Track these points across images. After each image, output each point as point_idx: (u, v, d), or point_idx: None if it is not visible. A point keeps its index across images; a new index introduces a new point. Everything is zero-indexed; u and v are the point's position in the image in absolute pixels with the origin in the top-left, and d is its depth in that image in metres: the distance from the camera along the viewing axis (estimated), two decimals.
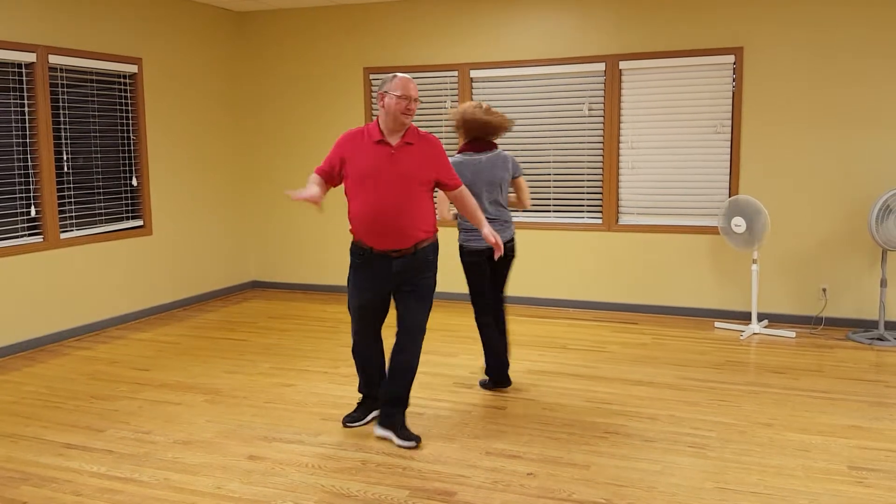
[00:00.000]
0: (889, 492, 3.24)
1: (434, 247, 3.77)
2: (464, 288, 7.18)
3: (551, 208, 6.82)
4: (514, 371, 4.97)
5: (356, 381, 4.82)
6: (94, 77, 6.16)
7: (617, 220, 6.62)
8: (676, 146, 6.40)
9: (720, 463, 3.54)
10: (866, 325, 6.01)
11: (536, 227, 6.84)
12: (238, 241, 7.81)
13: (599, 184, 6.64)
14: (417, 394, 4.54)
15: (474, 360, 5.24)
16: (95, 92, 6.18)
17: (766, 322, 6.12)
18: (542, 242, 6.84)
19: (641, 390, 4.58)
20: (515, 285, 6.97)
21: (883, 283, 5.68)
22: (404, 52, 7.12)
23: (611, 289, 6.70)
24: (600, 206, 6.66)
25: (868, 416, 4.11)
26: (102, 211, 6.28)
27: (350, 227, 3.76)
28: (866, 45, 5.80)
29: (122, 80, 6.42)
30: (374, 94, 7.28)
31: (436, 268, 3.81)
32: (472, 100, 6.90)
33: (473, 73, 6.89)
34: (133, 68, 6.44)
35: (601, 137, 6.60)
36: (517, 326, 6.17)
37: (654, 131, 6.45)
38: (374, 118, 3.73)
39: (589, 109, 6.61)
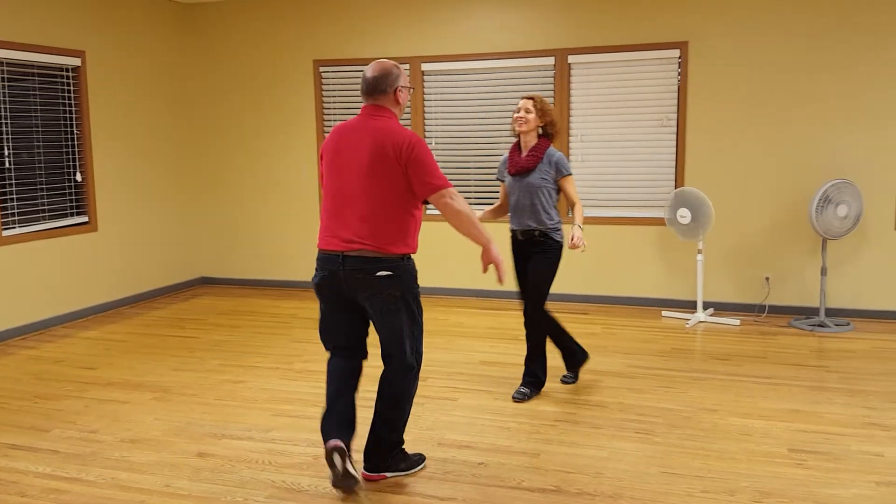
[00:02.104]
0: (827, 473, 3.35)
1: None
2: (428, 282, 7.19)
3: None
4: (465, 363, 5.01)
5: (309, 376, 4.81)
6: (35, 70, 6.01)
7: (568, 213, 6.70)
8: (624, 139, 6.50)
9: (665, 448, 3.62)
10: (808, 313, 6.19)
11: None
12: (186, 237, 7.71)
13: None
14: (370, 387, 4.54)
15: (426, 353, 5.26)
16: (37, 86, 6.04)
17: (711, 310, 6.26)
18: (494, 235, 6.89)
19: (591, 379, 4.65)
20: (467, 278, 7.01)
21: (823, 272, 5.86)
22: (355, 45, 7.09)
23: (562, 280, 6.77)
24: None
25: (808, 401, 4.24)
26: (46, 207, 6.14)
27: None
28: (808, 41, 5.96)
29: (64, 73, 6.28)
30: (325, 88, 7.24)
31: None
32: (423, 93, 6.92)
33: (425, 67, 6.90)
34: (76, 61, 6.31)
35: None
36: (469, 318, 6.21)
37: (603, 124, 6.54)
38: (386, 117, 3.22)
39: None
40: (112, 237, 6.74)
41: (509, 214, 4.36)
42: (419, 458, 3.47)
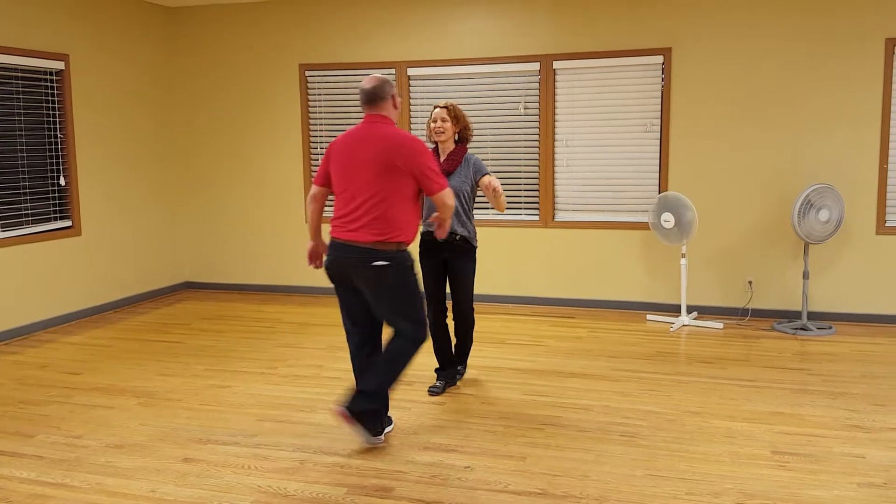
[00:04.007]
0: (809, 474, 3.38)
1: None
2: None
3: (490, 205, 6.89)
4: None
5: (294, 381, 4.81)
6: (18, 74, 5.98)
7: (553, 217, 6.73)
8: (609, 144, 6.54)
9: (650, 451, 3.65)
10: (790, 316, 6.25)
11: (476, 223, 6.89)
12: (170, 241, 7.68)
13: (536, 181, 6.74)
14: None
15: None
16: (20, 89, 6.00)
17: (695, 314, 6.31)
18: (481, 239, 6.91)
19: (576, 382, 4.68)
20: None
21: (805, 276, 5.92)
22: (341, 50, 7.10)
23: (548, 284, 6.81)
24: (537, 202, 6.76)
25: (791, 403, 4.28)
26: (29, 212, 6.10)
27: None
28: (790, 47, 6.03)
29: (48, 76, 6.24)
30: (310, 92, 7.24)
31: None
32: (409, 97, 6.94)
33: (411, 71, 6.91)
34: (60, 65, 6.28)
35: (537, 136, 6.70)
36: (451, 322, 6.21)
37: (588, 130, 6.58)
38: (391, 123, 3.69)
39: (525, 108, 6.70)
40: (96, 242, 6.70)
41: (423, 216, 4.46)
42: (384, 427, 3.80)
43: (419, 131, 6.98)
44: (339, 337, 5.84)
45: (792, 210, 5.76)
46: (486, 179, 4.24)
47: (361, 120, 3.67)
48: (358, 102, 7.11)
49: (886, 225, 5.99)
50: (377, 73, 7.00)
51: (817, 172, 6.07)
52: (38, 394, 4.61)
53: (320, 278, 7.42)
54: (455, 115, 4.38)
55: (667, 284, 6.51)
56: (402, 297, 3.63)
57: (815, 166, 6.07)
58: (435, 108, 4.42)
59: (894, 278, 6.01)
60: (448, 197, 3.65)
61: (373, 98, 3.63)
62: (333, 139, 3.80)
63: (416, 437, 3.85)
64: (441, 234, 3.78)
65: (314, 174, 7.33)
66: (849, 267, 6.09)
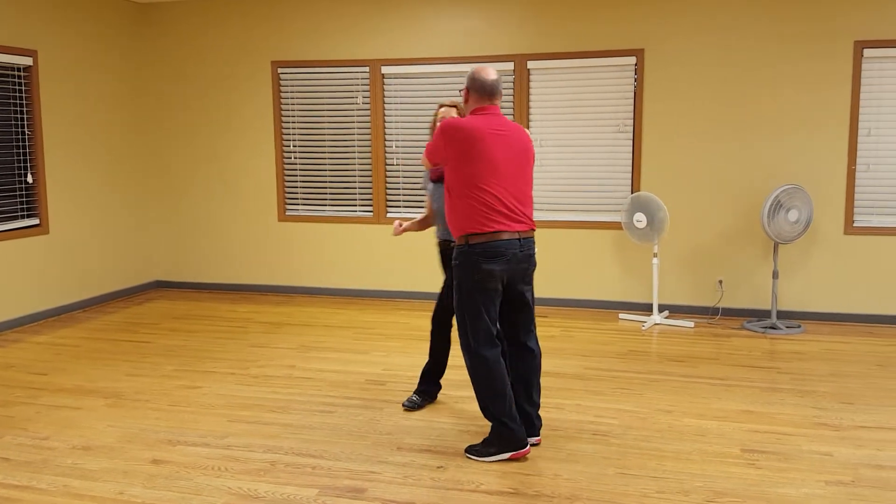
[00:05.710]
0: (778, 472, 3.42)
1: (457, 249, 3.60)
2: (378, 284, 7.18)
3: None
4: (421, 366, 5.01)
5: (266, 382, 4.77)
6: None
7: None
8: (582, 144, 6.57)
9: (622, 449, 3.67)
10: (760, 315, 6.32)
11: None
12: (140, 240, 7.58)
13: None
14: (329, 392, 4.52)
15: (386, 356, 5.26)
16: None
17: (666, 313, 6.36)
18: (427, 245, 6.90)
19: (549, 381, 4.69)
20: (424, 282, 7.01)
21: (775, 275, 5.98)
22: (314, 47, 7.06)
23: None
24: None
25: (761, 401, 4.33)
26: None
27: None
28: (761, 50, 6.09)
29: (16, 72, 6.14)
30: (283, 89, 7.19)
31: (457, 273, 3.59)
32: (383, 96, 6.92)
33: (385, 70, 6.89)
34: (28, 60, 6.17)
35: None
36: (426, 322, 6.21)
37: (561, 130, 6.60)
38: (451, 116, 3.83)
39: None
40: (64, 240, 6.60)
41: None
42: (495, 451, 3.56)
43: (392, 130, 6.96)
44: (311, 337, 5.80)
45: (762, 210, 5.82)
46: None
47: (488, 111, 3.55)
48: (331, 100, 7.07)
49: (854, 225, 6.08)
50: (352, 70, 6.98)
51: (787, 173, 6.14)
52: (4, 394, 4.53)
53: (293, 278, 7.36)
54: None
55: (639, 284, 6.56)
56: (457, 298, 3.64)
57: (784, 167, 6.14)
58: (441, 106, 4.08)
59: (862, 278, 6.10)
60: None
61: (498, 91, 3.62)
62: (458, 131, 3.46)
63: (389, 438, 3.83)
64: None
65: (287, 170, 7.28)
66: (817, 267, 6.17)
